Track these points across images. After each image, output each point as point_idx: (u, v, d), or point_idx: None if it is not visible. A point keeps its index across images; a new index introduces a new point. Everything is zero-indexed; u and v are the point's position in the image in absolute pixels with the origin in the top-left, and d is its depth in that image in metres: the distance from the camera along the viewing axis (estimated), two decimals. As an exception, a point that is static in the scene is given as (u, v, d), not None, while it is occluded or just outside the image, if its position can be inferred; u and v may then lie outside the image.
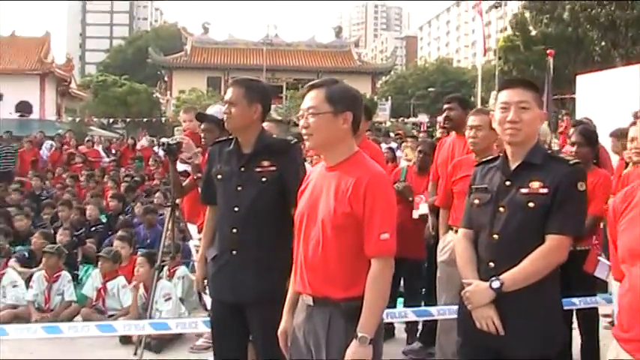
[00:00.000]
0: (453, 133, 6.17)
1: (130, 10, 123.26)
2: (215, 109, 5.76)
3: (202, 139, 6.02)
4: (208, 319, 4.45)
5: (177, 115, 35.30)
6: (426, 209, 6.40)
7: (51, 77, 47.91)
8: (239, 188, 4.03)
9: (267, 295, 3.82)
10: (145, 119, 43.93)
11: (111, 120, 47.14)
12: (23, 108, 45.92)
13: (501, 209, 3.29)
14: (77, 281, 8.63)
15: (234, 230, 4.02)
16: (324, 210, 3.13)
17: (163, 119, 45.47)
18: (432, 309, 5.41)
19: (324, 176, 3.23)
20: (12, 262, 8.67)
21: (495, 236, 3.29)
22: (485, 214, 3.37)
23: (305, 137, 3.20)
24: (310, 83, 3.27)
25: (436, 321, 5.58)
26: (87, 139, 20.66)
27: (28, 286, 8.08)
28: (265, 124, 4.76)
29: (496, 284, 3.20)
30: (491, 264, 3.28)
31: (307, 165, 4.35)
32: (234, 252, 4.02)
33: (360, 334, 2.97)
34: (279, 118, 31.61)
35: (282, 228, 3.83)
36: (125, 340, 6.61)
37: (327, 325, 3.10)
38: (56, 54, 50.85)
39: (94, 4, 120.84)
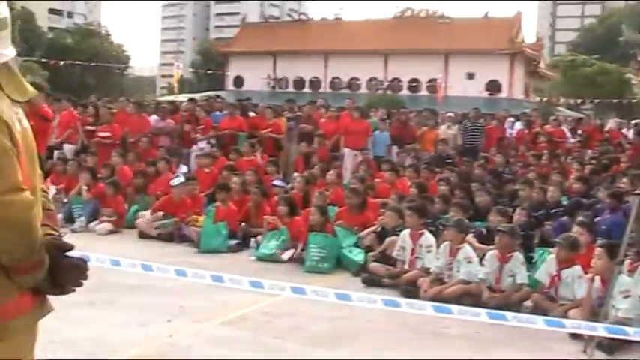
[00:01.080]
0: None
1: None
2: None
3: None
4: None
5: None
6: None
7: (520, 57, 49.05)
8: None
9: None
10: (614, 100, 42.11)
11: (578, 100, 46.16)
12: (492, 87, 47.64)
13: None
14: (531, 264, 8.42)
15: None
16: None
17: (634, 100, 43.04)
18: None
19: None
20: (469, 237, 8.73)
21: None
22: None
23: None
24: None
25: None
26: (552, 118, 20.29)
27: (481, 264, 8.09)
28: None
29: None
30: None
31: None
32: None
33: None
34: None
35: None
36: (575, 334, 6.21)
37: None
38: (526, 34, 51.68)
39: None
